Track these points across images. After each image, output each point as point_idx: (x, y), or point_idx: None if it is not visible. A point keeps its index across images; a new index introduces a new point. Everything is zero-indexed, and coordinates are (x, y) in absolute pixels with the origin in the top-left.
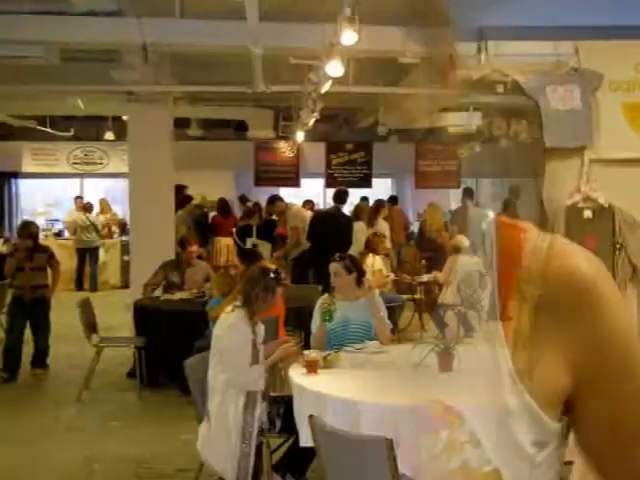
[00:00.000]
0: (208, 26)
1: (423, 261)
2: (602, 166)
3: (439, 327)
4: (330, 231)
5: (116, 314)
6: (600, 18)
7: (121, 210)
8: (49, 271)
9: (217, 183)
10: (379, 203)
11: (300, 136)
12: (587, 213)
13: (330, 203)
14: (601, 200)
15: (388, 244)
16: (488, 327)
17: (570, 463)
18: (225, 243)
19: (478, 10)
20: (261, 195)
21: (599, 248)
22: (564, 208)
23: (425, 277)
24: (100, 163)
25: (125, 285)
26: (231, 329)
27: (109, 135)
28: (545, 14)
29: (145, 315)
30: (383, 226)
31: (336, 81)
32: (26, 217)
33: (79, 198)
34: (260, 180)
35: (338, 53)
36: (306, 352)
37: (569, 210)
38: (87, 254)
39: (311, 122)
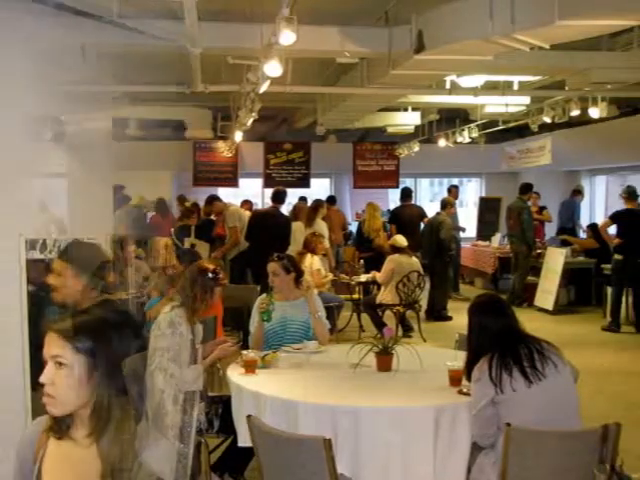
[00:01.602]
0: (146, 26)
1: (361, 261)
2: None
3: (377, 327)
4: (268, 231)
5: None
6: None
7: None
8: None
9: (155, 183)
10: (317, 203)
11: (238, 136)
12: None
13: (268, 203)
14: None
15: (326, 244)
16: None
17: None
18: (163, 243)
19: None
20: (199, 195)
21: None
22: None
23: (363, 277)
24: None
25: None
26: (169, 329)
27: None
28: None
29: None
30: (321, 226)
31: (274, 81)
32: None
33: None
34: (198, 180)
35: (276, 53)
36: (244, 352)
37: None
38: None
39: (249, 122)
